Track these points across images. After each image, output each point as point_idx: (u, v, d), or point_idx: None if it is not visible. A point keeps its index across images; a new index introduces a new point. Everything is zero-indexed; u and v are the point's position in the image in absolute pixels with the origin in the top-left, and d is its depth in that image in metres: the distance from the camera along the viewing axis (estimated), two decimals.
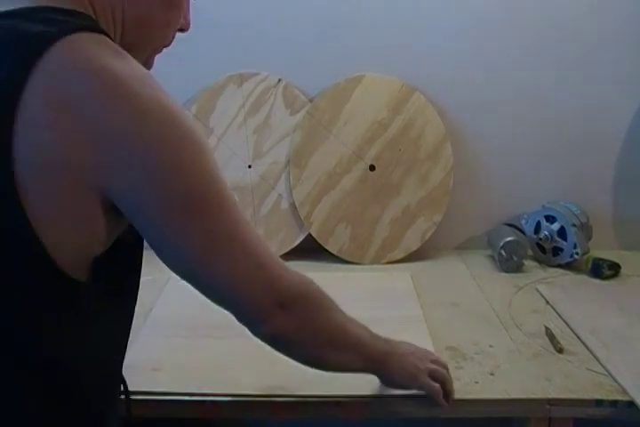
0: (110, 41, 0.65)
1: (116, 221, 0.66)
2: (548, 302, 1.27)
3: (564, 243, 1.45)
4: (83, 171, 0.61)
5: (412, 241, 1.52)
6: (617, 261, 1.42)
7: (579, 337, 1.12)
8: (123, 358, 0.78)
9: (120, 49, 0.65)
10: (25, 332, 0.64)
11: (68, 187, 0.61)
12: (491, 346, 1.09)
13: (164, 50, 0.79)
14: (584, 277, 1.42)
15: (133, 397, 0.85)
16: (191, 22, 0.81)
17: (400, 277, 1.41)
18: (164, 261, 0.69)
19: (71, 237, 0.63)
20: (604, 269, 1.40)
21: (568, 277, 1.43)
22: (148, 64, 0.77)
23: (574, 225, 1.44)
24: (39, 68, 0.59)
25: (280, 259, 0.74)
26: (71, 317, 0.66)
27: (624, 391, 0.94)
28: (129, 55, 0.65)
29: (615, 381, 0.97)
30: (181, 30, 0.79)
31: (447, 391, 0.90)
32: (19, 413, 0.65)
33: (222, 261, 0.68)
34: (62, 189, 0.61)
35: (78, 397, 0.68)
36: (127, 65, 0.63)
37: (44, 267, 0.62)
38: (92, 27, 0.65)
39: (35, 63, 0.59)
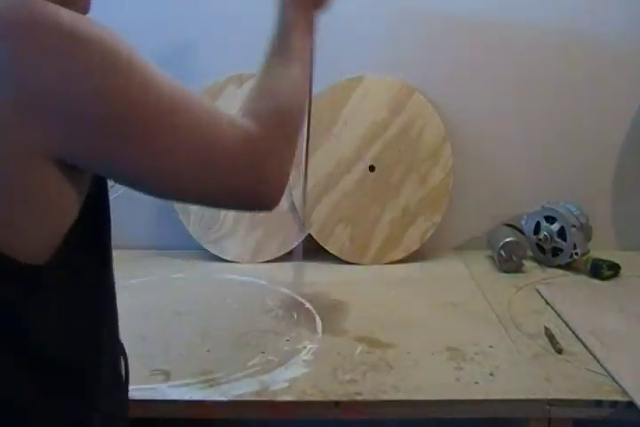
0: None
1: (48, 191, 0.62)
2: (547, 303, 1.27)
3: (564, 243, 1.45)
4: (26, 133, 0.57)
5: (411, 241, 1.52)
6: (616, 261, 1.42)
7: (578, 337, 1.12)
8: (110, 333, 0.76)
9: None
10: None
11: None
12: (490, 346, 1.09)
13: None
14: (584, 278, 1.42)
15: (133, 397, 0.85)
16: None
17: None
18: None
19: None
20: (604, 270, 1.40)
21: (568, 277, 1.43)
22: (85, 10, 0.74)
23: (574, 226, 1.44)
24: None
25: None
26: (37, 297, 0.64)
27: (624, 392, 0.94)
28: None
29: (615, 381, 0.97)
30: None
31: None
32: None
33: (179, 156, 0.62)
34: None
35: (65, 375, 0.67)
36: (36, 3, 0.59)
37: None
38: None
39: None
